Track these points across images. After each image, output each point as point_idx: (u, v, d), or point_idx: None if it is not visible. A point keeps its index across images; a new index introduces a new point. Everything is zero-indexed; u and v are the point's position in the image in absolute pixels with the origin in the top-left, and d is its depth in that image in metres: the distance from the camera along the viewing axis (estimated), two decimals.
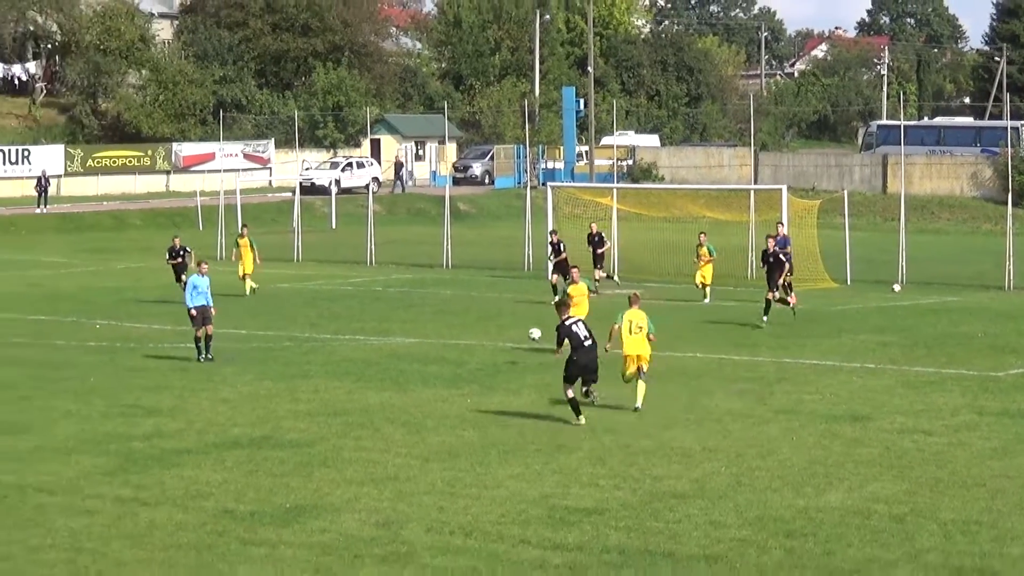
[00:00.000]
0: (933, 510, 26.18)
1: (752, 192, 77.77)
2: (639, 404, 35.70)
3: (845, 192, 77.02)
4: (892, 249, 69.96)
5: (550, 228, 65.89)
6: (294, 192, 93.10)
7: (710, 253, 58.55)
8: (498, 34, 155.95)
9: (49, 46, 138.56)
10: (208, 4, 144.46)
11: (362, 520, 25.73)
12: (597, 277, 53.93)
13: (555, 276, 59.01)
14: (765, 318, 51.04)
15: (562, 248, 62.06)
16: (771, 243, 53.30)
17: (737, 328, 50.95)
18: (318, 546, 24.05)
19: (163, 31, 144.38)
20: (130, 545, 24.19)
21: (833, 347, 47.19)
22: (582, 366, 34.33)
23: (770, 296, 51.64)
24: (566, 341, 34.38)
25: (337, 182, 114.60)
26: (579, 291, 44.04)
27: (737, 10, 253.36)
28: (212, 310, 44.27)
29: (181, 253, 57.32)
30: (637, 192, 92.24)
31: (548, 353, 42.57)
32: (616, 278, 57.27)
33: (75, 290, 64.89)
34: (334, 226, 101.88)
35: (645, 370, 36.23)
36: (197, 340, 43.89)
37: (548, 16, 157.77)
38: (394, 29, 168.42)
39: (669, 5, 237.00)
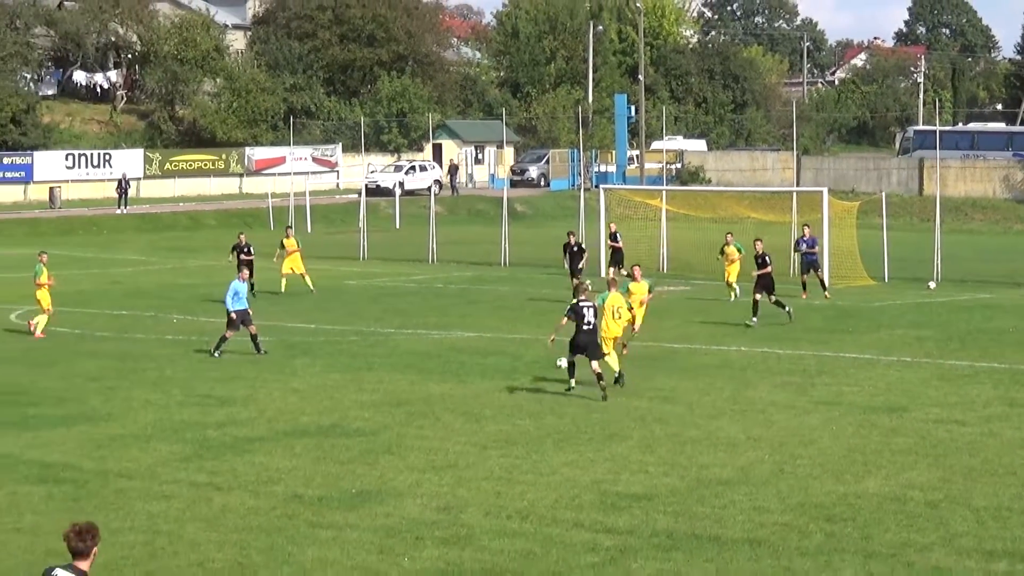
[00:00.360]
0: (966, 497, 26.20)
1: (794, 194, 77.46)
2: (619, 370, 38.10)
3: (883, 194, 76.49)
4: (928, 248, 69.54)
5: (569, 229, 66.06)
6: (360, 194, 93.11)
7: (739, 251, 57.76)
8: (553, 44, 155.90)
9: (129, 56, 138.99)
10: (279, 16, 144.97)
11: (424, 504, 25.80)
12: (611, 275, 52.58)
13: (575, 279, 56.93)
14: (754, 319, 50.58)
15: (582, 248, 62.04)
16: (758, 246, 52.78)
17: (780, 323, 50.71)
18: (382, 529, 24.11)
19: (236, 42, 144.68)
20: (204, 528, 24.32)
21: (871, 341, 47.00)
22: (582, 345, 35.54)
23: (757, 297, 51.19)
24: (564, 320, 36.27)
25: (401, 184, 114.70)
26: (639, 289, 43.82)
27: (780, 21, 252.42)
28: (249, 312, 44.48)
29: (245, 249, 57.25)
30: (685, 194, 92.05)
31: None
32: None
33: (153, 287, 65.05)
34: (398, 226, 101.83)
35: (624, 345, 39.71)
36: (224, 340, 43.84)
37: (601, 27, 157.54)
38: (455, 40, 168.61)
39: (716, 16, 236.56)
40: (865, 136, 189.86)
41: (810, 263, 59.60)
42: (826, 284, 58.74)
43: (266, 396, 36.94)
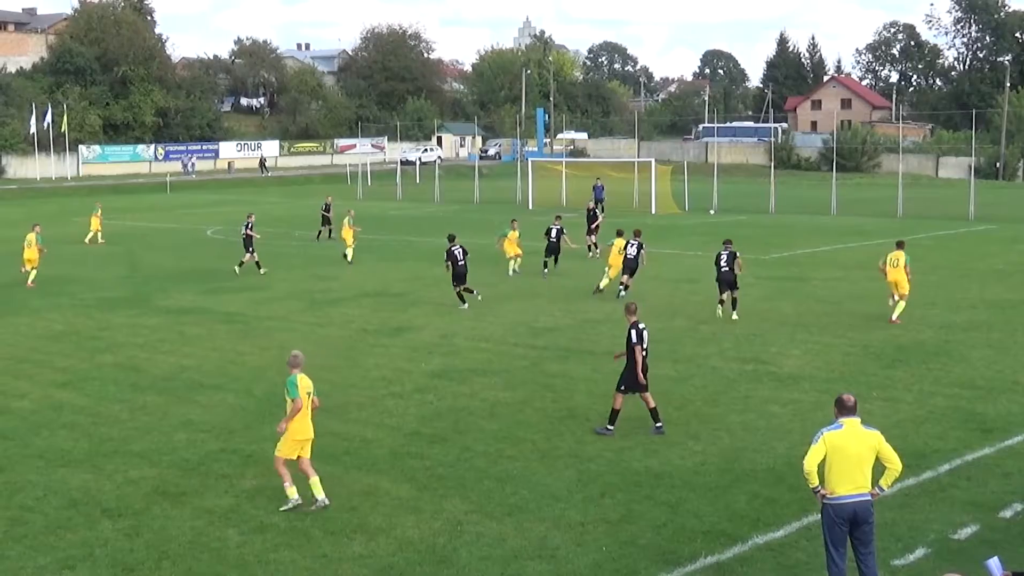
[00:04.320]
0: (731, 328, 25.76)
1: None
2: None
3: None
4: None
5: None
6: (397, 164, 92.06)
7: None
8: None
9: (271, 90, 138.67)
10: (352, 66, 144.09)
11: (432, 334, 25.86)
12: (589, 244, 41.69)
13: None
14: None
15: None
16: None
17: None
18: (410, 347, 24.15)
19: (329, 80, 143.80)
20: (313, 346, 24.27)
21: (680, 243, 46.61)
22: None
23: None
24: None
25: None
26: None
27: None
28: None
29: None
30: None
31: None
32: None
33: (285, 215, 64.57)
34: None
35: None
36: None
37: None
38: None
39: None
40: None
41: None
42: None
43: (346, 275, 36.82)
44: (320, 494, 14.03)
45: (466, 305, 29.12)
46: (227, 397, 19.92)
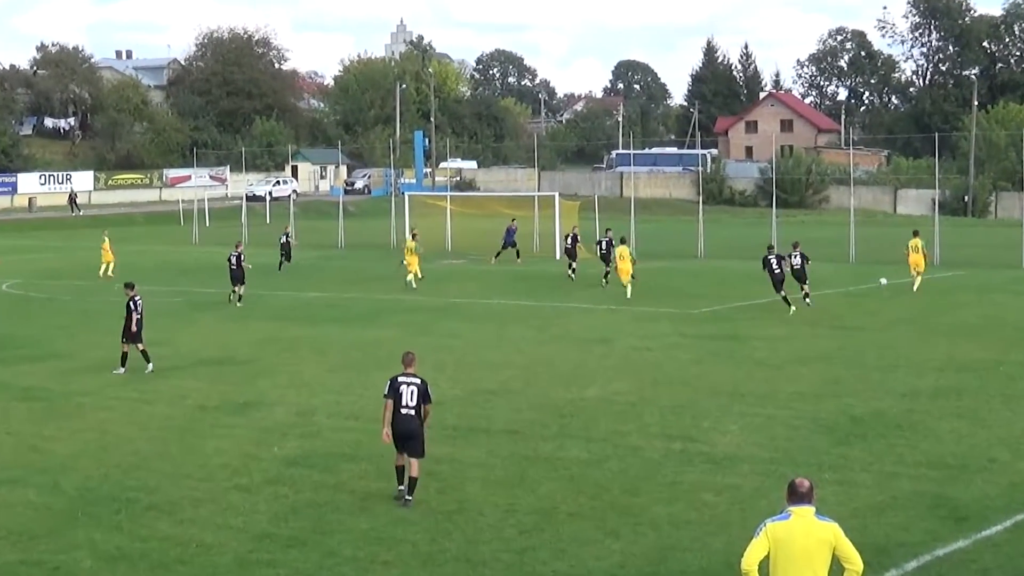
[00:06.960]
0: (654, 399, 26.25)
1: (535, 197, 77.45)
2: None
3: (595, 196, 76.96)
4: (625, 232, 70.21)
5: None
6: (243, 200, 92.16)
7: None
8: (373, 96, 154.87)
9: (83, 107, 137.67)
10: (186, 79, 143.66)
11: (287, 411, 25.62)
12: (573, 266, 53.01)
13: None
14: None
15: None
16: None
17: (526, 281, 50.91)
18: (259, 428, 23.92)
19: (156, 97, 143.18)
20: (137, 429, 23.98)
21: (589, 296, 47.38)
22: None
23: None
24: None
25: (270, 193, 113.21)
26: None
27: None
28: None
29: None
30: (464, 197, 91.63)
31: None
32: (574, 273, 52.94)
33: (99, 265, 63.89)
34: (268, 221, 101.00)
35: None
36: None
37: (403, 86, 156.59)
38: (305, 94, 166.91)
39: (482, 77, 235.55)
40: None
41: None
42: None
43: (178, 339, 36.47)
44: None
45: (123, 370, 30.33)
46: (28, 494, 19.47)
